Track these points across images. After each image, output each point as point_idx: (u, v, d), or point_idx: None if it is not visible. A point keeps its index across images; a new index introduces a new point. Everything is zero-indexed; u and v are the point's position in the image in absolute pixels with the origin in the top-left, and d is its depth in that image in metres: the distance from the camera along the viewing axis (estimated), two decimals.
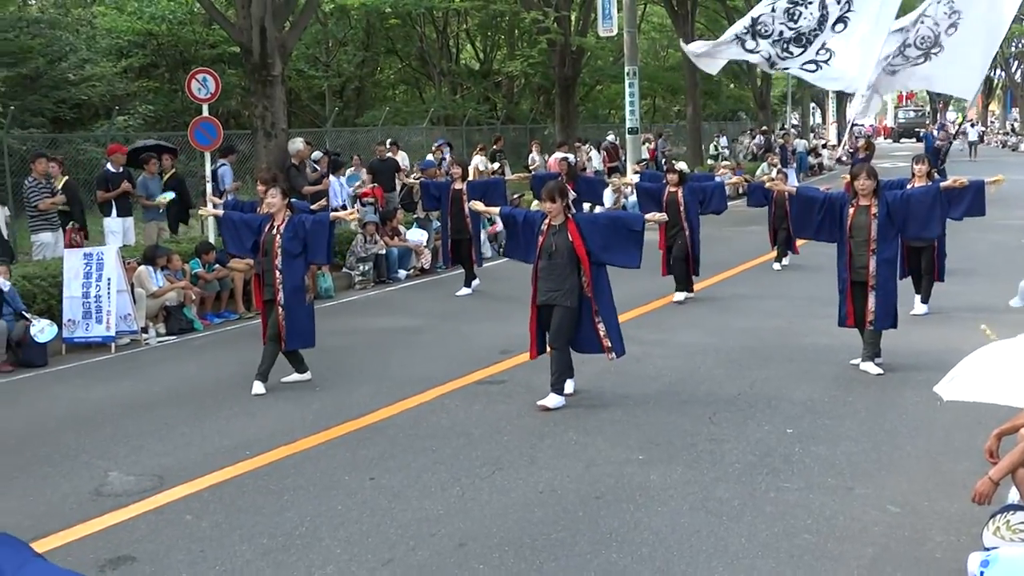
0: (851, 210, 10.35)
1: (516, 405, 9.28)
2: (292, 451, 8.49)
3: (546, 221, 9.50)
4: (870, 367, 10.31)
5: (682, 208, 14.72)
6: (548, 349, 9.60)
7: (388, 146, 23.20)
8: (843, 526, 6.59)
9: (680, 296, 14.79)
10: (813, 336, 11.97)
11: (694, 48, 14.32)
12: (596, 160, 32.21)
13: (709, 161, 37.95)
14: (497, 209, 10.66)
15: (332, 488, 7.56)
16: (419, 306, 15.54)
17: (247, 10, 18.49)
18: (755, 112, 51.23)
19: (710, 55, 13.99)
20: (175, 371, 11.65)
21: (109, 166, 16.76)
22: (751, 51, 13.23)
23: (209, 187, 17.24)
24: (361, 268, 17.62)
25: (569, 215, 9.53)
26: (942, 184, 11.17)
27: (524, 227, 9.87)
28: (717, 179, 17.73)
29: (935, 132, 48.60)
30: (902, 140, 78.92)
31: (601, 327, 9.55)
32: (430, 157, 24.15)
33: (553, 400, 9.42)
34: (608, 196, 25.42)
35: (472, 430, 8.88)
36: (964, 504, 6.17)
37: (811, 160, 40.45)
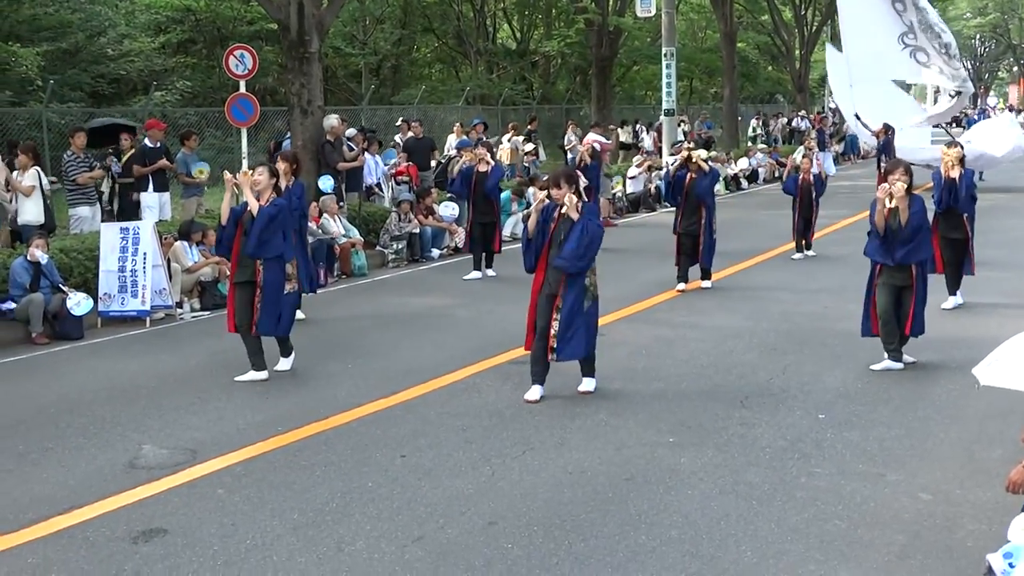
0: (886, 211, 9.90)
1: (547, 386, 9.27)
2: (323, 427, 8.54)
3: (557, 209, 9.16)
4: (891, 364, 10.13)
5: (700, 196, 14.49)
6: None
7: (400, 123, 23.14)
8: (874, 513, 6.57)
9: (681, 286, 14.43)
10: (847, 322, 11.88)
11: None
12: (648, 141, 32.09)
13: (748, 144, 37.71)
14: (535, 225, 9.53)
15: (363, 465, 7.60)
16: (452, 285, 15.56)
17: None
18: (793, 95, 50.85)
19: None
20: (209, 346, 11.72)
21: (146, 141, 16.83)
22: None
23: (246, 163, 17.30)
24: (395, 247, 17.65)
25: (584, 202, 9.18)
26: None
27: (543, 224, 9.26)
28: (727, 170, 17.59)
29: (976, 117, 48.14)
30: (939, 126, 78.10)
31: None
32: (464, 137, 24.11)
33: (590, 384, 9.41)
34: (639, 179, 25.36)
35: (503, 410, 8.90)
36: (997, 493, 6.15)
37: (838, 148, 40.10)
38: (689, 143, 21.42)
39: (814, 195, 17.19)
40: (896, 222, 9.84)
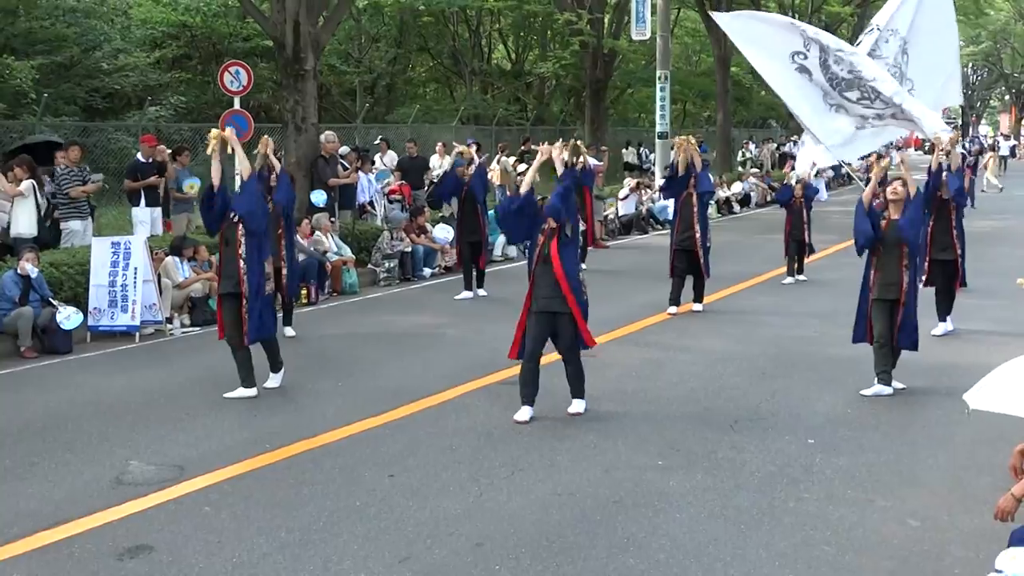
0: (883, 223, 10.07)
1: (537, 406, 9.25)
2: (312, 445, 8.51)
3: (545, 226, 9.28)
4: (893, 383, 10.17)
5: (695, 210, 14.44)
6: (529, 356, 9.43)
7: (379, 141, 23.00)
8: (862, 539, 6.55)
9: (673, 309, 14.42)
10: (837, 347, 11.89)
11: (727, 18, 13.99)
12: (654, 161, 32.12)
13: (738, 168, 37.81)
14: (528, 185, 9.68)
15: (351, 484, 7.57)
16: (443, 305, 15.55)
17: (282, 4, 18.55)
18: (786, 120, 50.99)
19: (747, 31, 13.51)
20: (198, 362, 11.69)
21: (139, 156, 16.83)
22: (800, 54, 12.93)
23: (238, 180, 17.28)
24: (387, 265, 17.64)
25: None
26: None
27: (536, 214, 9.39)
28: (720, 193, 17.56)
29: (967, 145, 48.27)
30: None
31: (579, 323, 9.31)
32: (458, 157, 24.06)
33: (580, 405, 9.41)
34: (630, 200, 25.36)
35: (492, 430, 8.88)
36: (985, 520, 6.13)
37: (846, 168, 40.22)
38: None
39: (806, 216, 17.19)
40: (894, 235, 9.98)
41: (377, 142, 23.09)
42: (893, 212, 10.06)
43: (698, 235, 14.38)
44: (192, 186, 16.99)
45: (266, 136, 11.69)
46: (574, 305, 9.16)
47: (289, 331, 12.94)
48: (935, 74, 13.94)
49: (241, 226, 9.98)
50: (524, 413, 9.16)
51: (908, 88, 13.51)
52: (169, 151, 17.52)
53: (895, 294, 10.00)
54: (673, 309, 14.37)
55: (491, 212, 19.02)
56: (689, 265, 14.47)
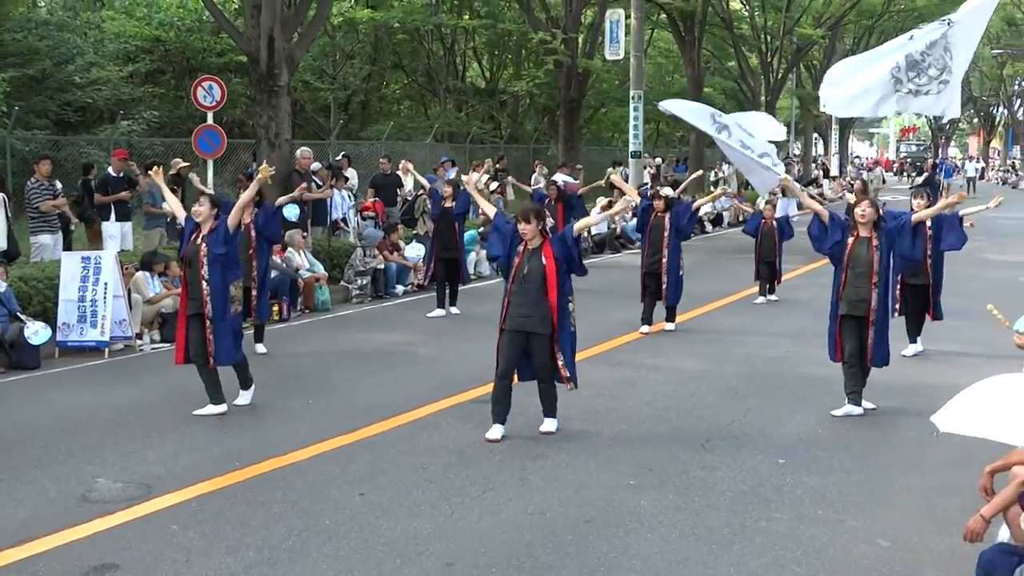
0: (851, 240, 10.12)
1: (509, 425, 9.22)
2: (282, 463, 8.45)
3: (523, 243, 9.28)
4: (864, 402, 10.19)
5: (666, 234, 14.40)
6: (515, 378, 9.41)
7: (341, 158, 22.83)
8: (832, 559, 6.55)
9: (645, 328, 14.42)
10: (809, 367, 11.94)
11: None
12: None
13: (711, 188, 37.93)
14: (493, 209, 10.32)
15: (321, 502, 7.52)
16: (415, 322, 15.50)
17: (256, 20, 18.51)
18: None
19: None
20: (167, 378, 11.59)
21: (110, 170, 16.77)
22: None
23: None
24: (359, 282, 17.58)
25: (547, 236, 9.32)
26: (914, 218, 11.14)
27: (505, 235, 9.44)
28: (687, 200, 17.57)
29: (939, 164, 48.67)
30: (904, 175, 78.92)
31: (560, 357, 9.25)
32: (431, 174, 24.06)
33: (551, 424, 9.38)
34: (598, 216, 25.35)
35: (464, 449, 8.85)
36: (955, 541, 6.14)
37: (811, 191, 40.39)
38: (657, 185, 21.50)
39: (777, 240, 17.24)
40: (864, 251, 10.00)
41: (339, 158, 22.83)
42: (861, 230, 10.10)
43: (665, 260, 14.39)
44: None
45: (265, 166, 11.53)
46: (556, 334, 9.17)
47: (260, 348, 12.88)
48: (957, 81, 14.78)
49: (204, 247, 9.91)
50: (495, 432, 9.13)
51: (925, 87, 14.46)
52: (142, 166, 17.44)
53: (863, 311, 10.04)
54: (645, 328, 14.37)
55: (471, 232, 19.07)
56: (658, 288, 14.48)
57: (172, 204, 10.97)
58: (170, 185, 17.32)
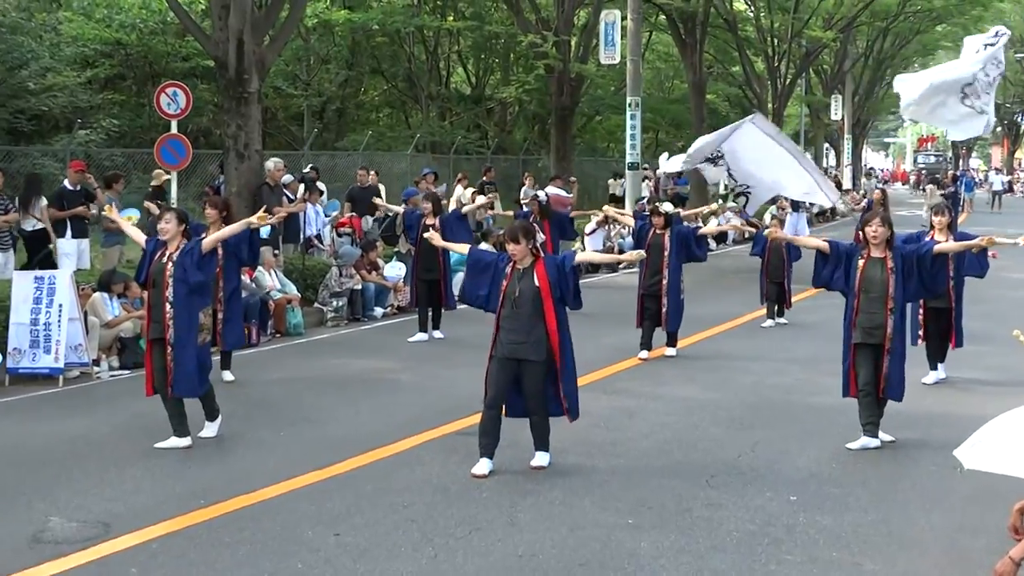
0: (861, 262, 10.07)
1: (497, 459, 9.18)
2: (251, 501, 8.41)
3: (510, 265, 9.26)
4: (881, 434, 10.15)
5: (666, 253, 14.40)
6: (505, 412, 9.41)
7: (309, 170, 22.70)
8: None
9: (644, 354, 14.43)
10: (821, 396, 11.92)
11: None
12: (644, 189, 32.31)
13: (719, 201, 37.96)
14: (466, 247, 10.42)
15: (293, 543, 7.47)
16: (396, 348, 15.48)
17: (224, 22, 18.52)
18: None
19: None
20: (127, 408, 11.54)
21: (66, 183, 16.73)
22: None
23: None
24: (334, 304, 17.55)
25: (539, 255, 9.29)
26: (938, 248, 10.76)
27: (486, 268, 9.47)
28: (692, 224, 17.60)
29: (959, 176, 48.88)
30: (921, 187, 79.07)
31: (561, 386, 9.28)
32: (411, 187, 24.06)
33: (543, 459, 9.33)
34: (597, 236, 25.38)
35: (449, 485, 8.81)
36: None
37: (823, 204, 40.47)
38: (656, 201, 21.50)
39: (786, 258, 17.23)
40: (878, 273, 9.95)
41: (307, 170, 22.63)
42: (873, 251, 10.07)
43: (665, 281, 14.39)
44: (131, 218, 16.86)
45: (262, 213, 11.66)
46: (558, 362, 9.18)
47: (227, 375, 12.83)
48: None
49: (170, 267, 9.89)
50: (483, 466, 9.08)
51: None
52: (101, 179, 17.43)
53: (879, 338, 10.00)
54: (644, 354, 14.36)
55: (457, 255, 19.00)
56: (657, 311, 14.47)
57: (134, 236, 10.99)
58: (153, 199, 17.44)
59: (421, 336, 15.95)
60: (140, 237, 10.74)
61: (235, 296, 12.80)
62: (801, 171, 15.72)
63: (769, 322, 17.37)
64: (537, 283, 9.09)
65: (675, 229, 14.62)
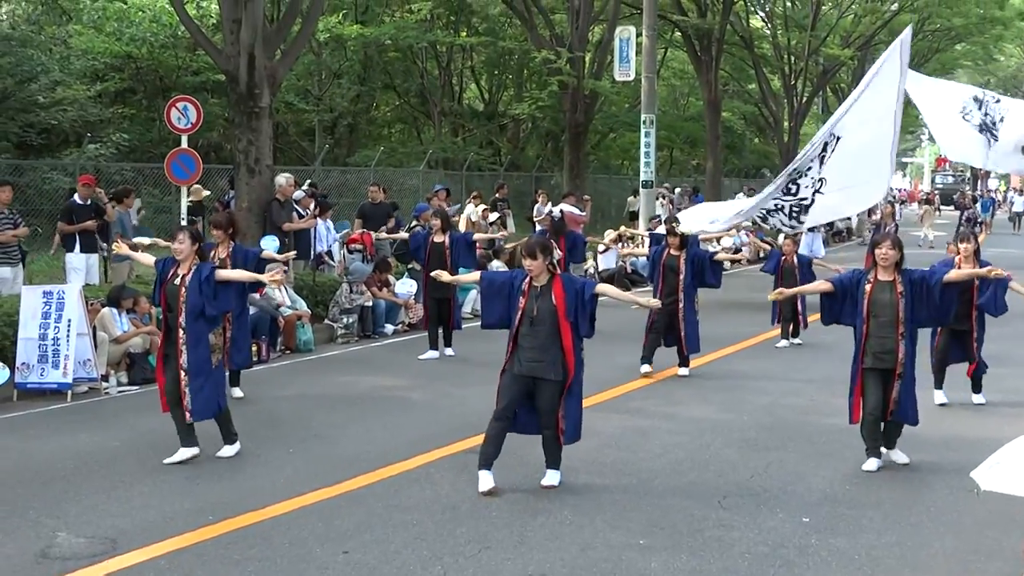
0: (868, 286, 10.02)
1: (507, 478, 9.22)
2: (260, 518, 8.44)
3: (526, 281, 9.25)
4: (898, 456, 10.16)
5: (681, 276, 14.46)
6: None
7: (307, 186, 22.69)
8: None
9: (646, 368, 14.50)
10: (836, 417, 11.89)
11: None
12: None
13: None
14: (476, 275, 10.37)
15: (301, 561, 7.50)
16: (406, 365, 15.51)
17: (236, 36, 18.62)
18: (780, 170, 51.42)
19: None
20: (136, 424, 11.60)
21: (76, 197, 16.83)
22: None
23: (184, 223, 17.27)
24: (345, 320, 17.60)
25: (556, 272, 9.28)
26: (947, 277, 10.48)
27: (500, 289, 9.46)
28: (710, 249, 17.68)
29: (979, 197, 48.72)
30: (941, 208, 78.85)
31: (563, 406, 9.26)
32: (422, 203, 24.12)
33: (554, 477, 9.35)
34: (610, 255, 25.38)
35: (458, 504, 8.84)
36: None
37: (838, 225, 40.41)
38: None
39: (799, 278, 17.20)
40: (887, 297, 9.94)
41: (306, 186, 22.55)
42: (882, 274, 10.04)
43: (682, 304, 14.42)
44: (144, 241, 16.98)
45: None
46: (571, 383, 9.21)
47: (236, 392, 12.87)
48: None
49: (184, 291, 9.97)
50: (486, 480, 9.08)
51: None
52: (111, 194, 17.54)
53: (890, 363, 9.98)
54: (646, 368, 14.40)
55: (463, 269, 19.06)
56: (669, 329, 14.49)
57: (144, 260, 11.16)
58: (190, 215, 17.61)
59: (432, 354, 15.98)
60: (149, 260, 10.86)
61: (243, 317, 12.80)
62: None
63: (784, 342, 17.36)
64: (555, 303, 9.10)
65: (691, 252, 14.64)
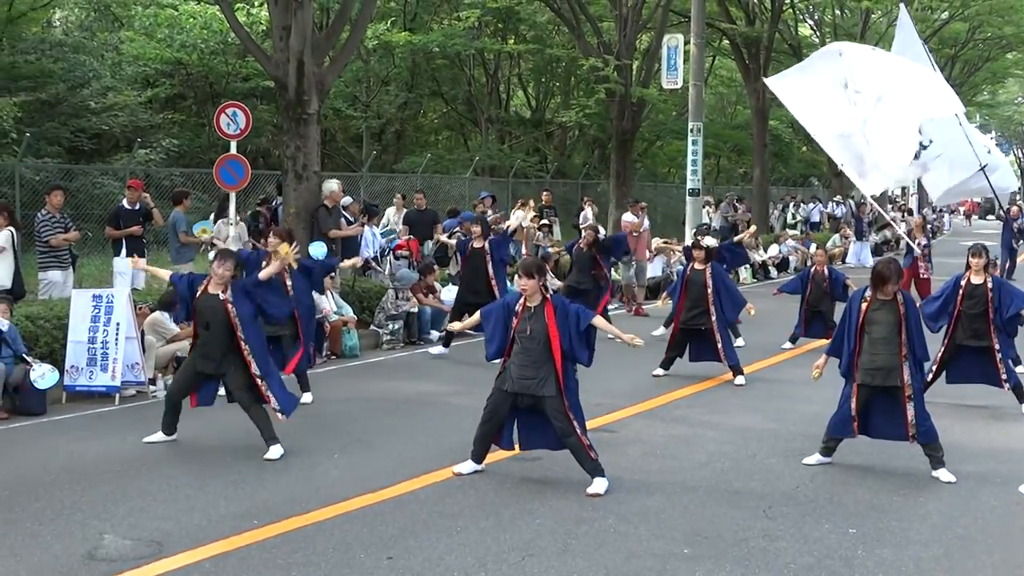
0: (863, 304, 10.10)
1: (551, 485, 9.20)
2: (304, 522, 8.47)
3: (521, 301, 9.46)
4: (942, 474, 10.01)
5: (709, 289, 14.42)
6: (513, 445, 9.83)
7: (350, 203, 22.61)
8: None
9: (659, 371, 14.69)
10: None
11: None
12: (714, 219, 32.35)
13: (787, 230, 37.77)
14: (476, 318, 10.24)
15: (345, 566, 7.52)
16: (451, 371, 15.52)
17: (285, 43, 18.69)
18: (828, 178, 51.08)
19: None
20: (182, 428, 11.62)
21: (124, 202, 16.96)
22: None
23: (232, 230, 17.38)
24: (390, 327, 17.63)
25: (547, 296, 9.49)
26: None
27: (490, 314, 9.74)
28: (756, 257, 17.57)
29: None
30: (988, 217, 78.08)
31: (569, 411, 9.40)
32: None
33: (600, 485, 9.34)
34: (656, 262, 25.28)
35: (502, 510, 8.83)
36: None
37: (887, 234, 40.03)
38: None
39: (828, 291, 16.95)
40: (886, 315, 10.03)
41: (348, 201, 22.47)
42: (879, 292, 10.10)
43: (714, 319, 14.38)
44: (205, 230, 17.15)
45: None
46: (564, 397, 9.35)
47: (307, 397, 12.95)
48: None
49: (230, 307, 10.44)
50: (466, 466, 9.65)
51: None
52: (170, 196, 17.75)
53: (893, 380, 10.00)
54: (659, 371, 14.66)
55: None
56: (703, 346, 14.55)
57: (159, 274, 11.93)
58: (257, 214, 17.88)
59: (442, 350, 16.49)
60: (165, 275, 11.49)
61: (311, 316, 13.34)
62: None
63: (788, 344, 17.39)
64: (547, 325, 9.32)
65: (715, 268, 14.72)
